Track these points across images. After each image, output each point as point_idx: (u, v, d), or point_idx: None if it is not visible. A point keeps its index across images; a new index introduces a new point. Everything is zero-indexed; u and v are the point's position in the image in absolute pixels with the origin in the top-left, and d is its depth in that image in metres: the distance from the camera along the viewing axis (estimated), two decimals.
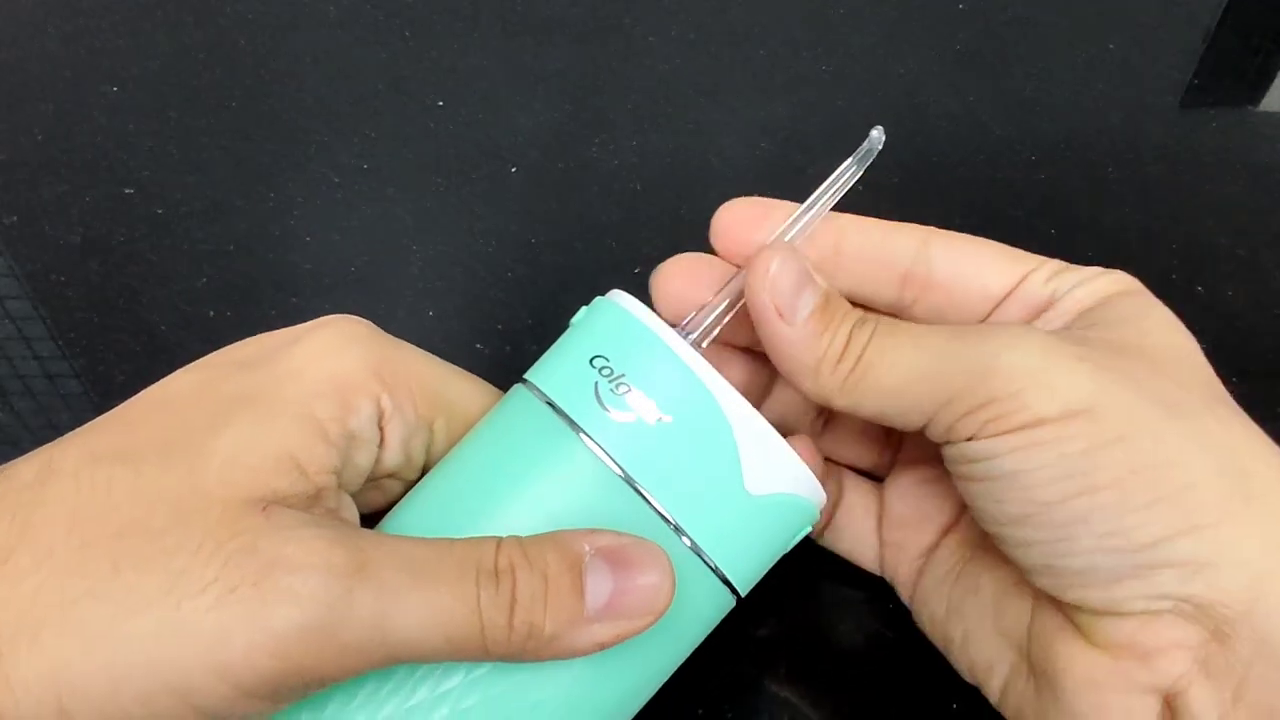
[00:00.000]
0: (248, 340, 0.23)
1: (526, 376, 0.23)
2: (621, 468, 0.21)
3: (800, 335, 0.22)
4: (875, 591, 0.28)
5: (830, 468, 0.28)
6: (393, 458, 0.23)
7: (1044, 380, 0.20)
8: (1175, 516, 0.19)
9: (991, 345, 0.20)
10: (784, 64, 0.46)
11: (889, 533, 0.27)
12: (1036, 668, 0.22)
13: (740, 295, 0.24)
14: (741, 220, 0.25)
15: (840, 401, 0.22)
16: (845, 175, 0.24)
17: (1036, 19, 0.48)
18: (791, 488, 0.23)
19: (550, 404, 0.22)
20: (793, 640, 0.28)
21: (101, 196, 0.40)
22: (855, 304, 0.24)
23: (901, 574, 0.27)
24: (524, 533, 0.20)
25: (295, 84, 0.45)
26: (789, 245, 0.23)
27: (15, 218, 0.40)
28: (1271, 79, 0.46)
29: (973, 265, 0.25)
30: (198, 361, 0.22)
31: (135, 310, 0.37)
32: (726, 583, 0.23)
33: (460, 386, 0.24)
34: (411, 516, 0.23)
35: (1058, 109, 0.44)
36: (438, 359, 0.24)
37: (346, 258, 0.38)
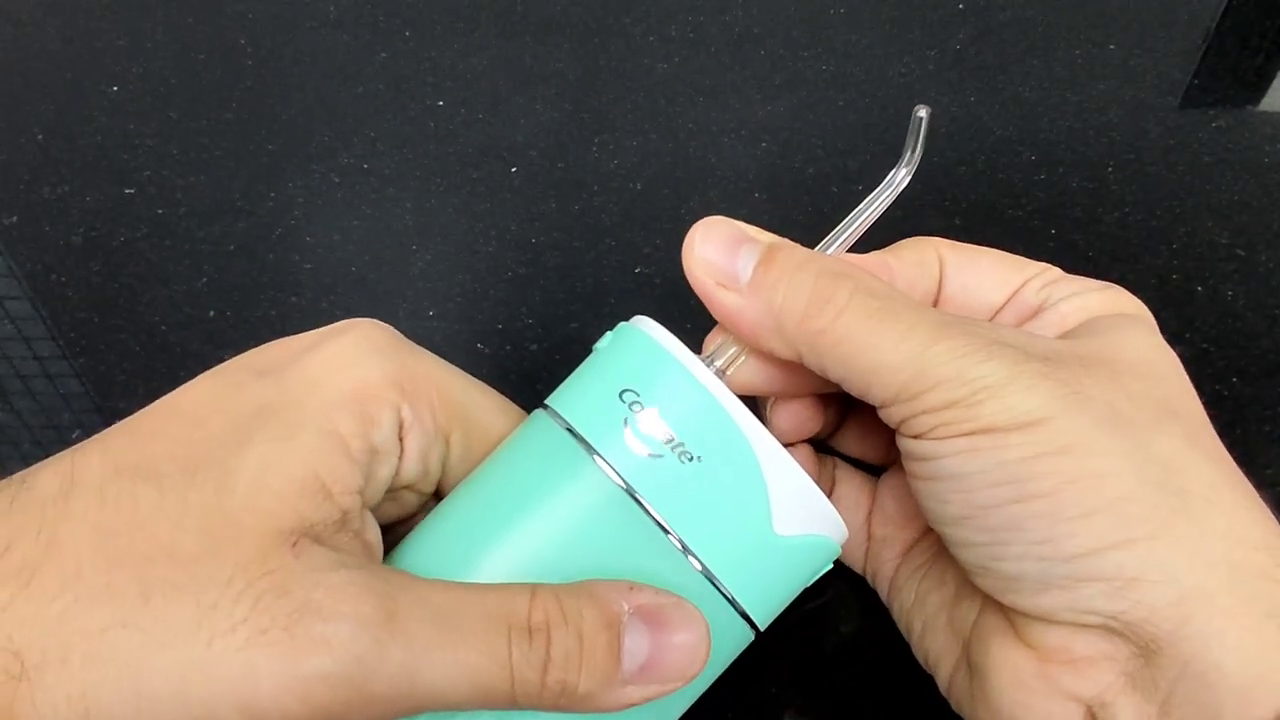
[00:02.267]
0: (266, 346, 0.23)
1: (553, 405, 0.23)
2: (651, 509, 0.21)
3: (749, 295, 0.22)
4: (875, 591, 0.28)
5: (824, 462, 0.28)
6: (411, 470, 0.22)
7: (1003, 393, 0.20)
8: (1106, 529, 0.19)
9: (972, 356, 0.21)
10: (784, 64, 0.46)
11: (877, 528, 0.27)
12: (973, 663, 0.23)
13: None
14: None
15: (808, 360, 0.22)
16: (887, 192, 0.24)
17: (1036, 19, 0.48)
18: (818, 529, 0.22)
19: (580, 439, 0.22)
20: (794, 641, 0.28)
21: (102, 197, 0.40)
22: None
23: (883, 571, 0.27)
24: (552, 571, 0.20)
25: (296, 84, 0.45)
26: (716, 217, 0.23)
27: (15, 218, 0.40)
28: (1271, 79, 0.46)
29: (976, 278, 0.25)
30: (215, 368, 0.22)
31: (136, 310, 0.37)
32: (749, 620, 0.22)
33: (478, 398, 0.24)
34: (436, 548, 0.22)
35: (1058, 109, 0.44)
36: (456, 369, 0.24)
37: (347, 258, 0.38)
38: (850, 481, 0.28)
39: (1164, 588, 0.19)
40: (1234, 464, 0.21)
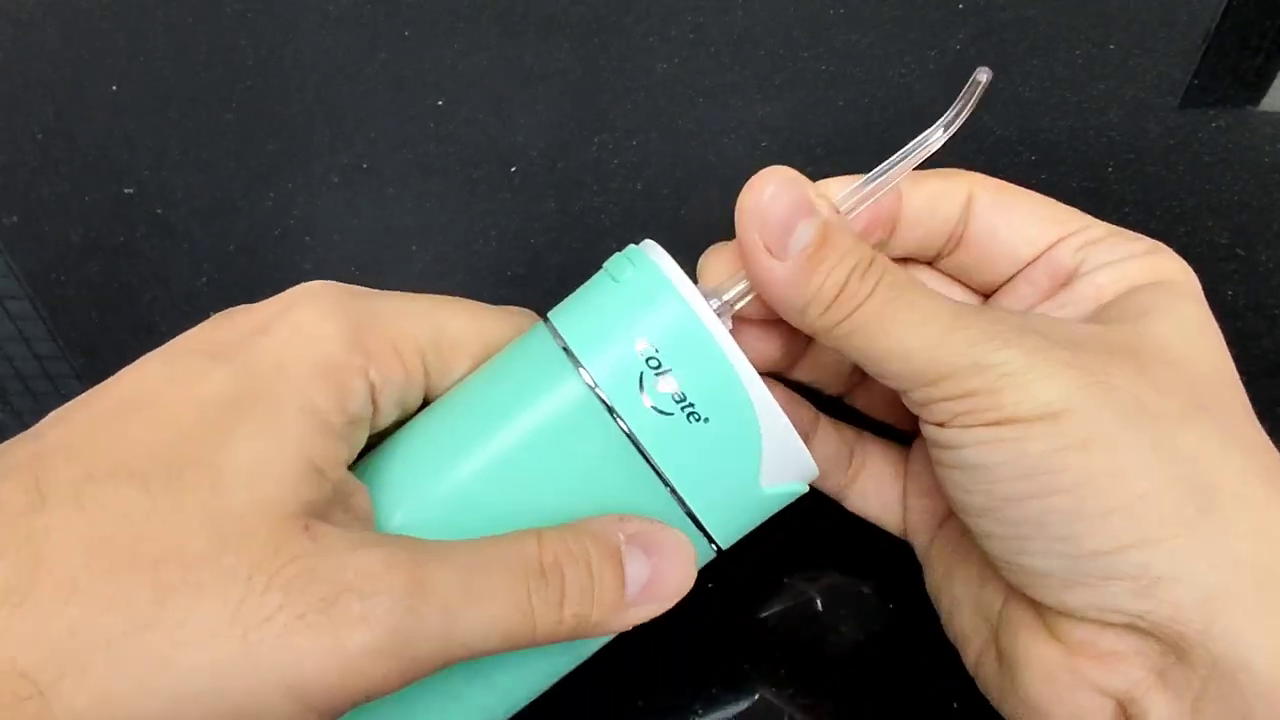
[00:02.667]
0: (211, 322, 0.22)
1: (565, 336, 0.22)
2: (654, 461, 0.22)
3: (791, 274, 0.21)
4: (876, 591, 0.28)
5: (857, 434, 0.28)
6: (388, 418, 0.23)
7: (1023, 381, 0.20)
8: (1127, 528, 0.19)
9: (989, 344, 0.20)
10: (784, 64, 0.46)
11: (912, 499, 0.27)
12: (1002, 650, 0.23)
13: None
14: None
15: (826, 342, 0.22)
16: (933, 138, 0.23)
17: (1036, 19, 0.48)
18: (796, 478, 0.23)
19: (593, 388, 0.22)
20: (793, 639, 0.28)
21: (102, 196, 0.40)
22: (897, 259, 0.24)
23: (920, 540, 0.27)
24: (552, 511, 0.21)
25: (296, 83, 0.45)
26: (786, 170, 0.22)
27: (15, 217, 0.40)
28: (1271, 79, 0.46)
29: (1006, 225, 0.24)
30: (160, 351, 0.21)
31: (135, 310, 0.37)
32: (718, 548, 0.24)
33: (439, 317, 0.24)
34: (420, 462, 0.22)
35: (1058, 109, 0.44)
36: (408, 296, 0.23)
37: (347, 257, 0.38)
38: (885, 454, 0.28)
39: (1188, 587, 0.19)
40: (1274, 453, 0.21)
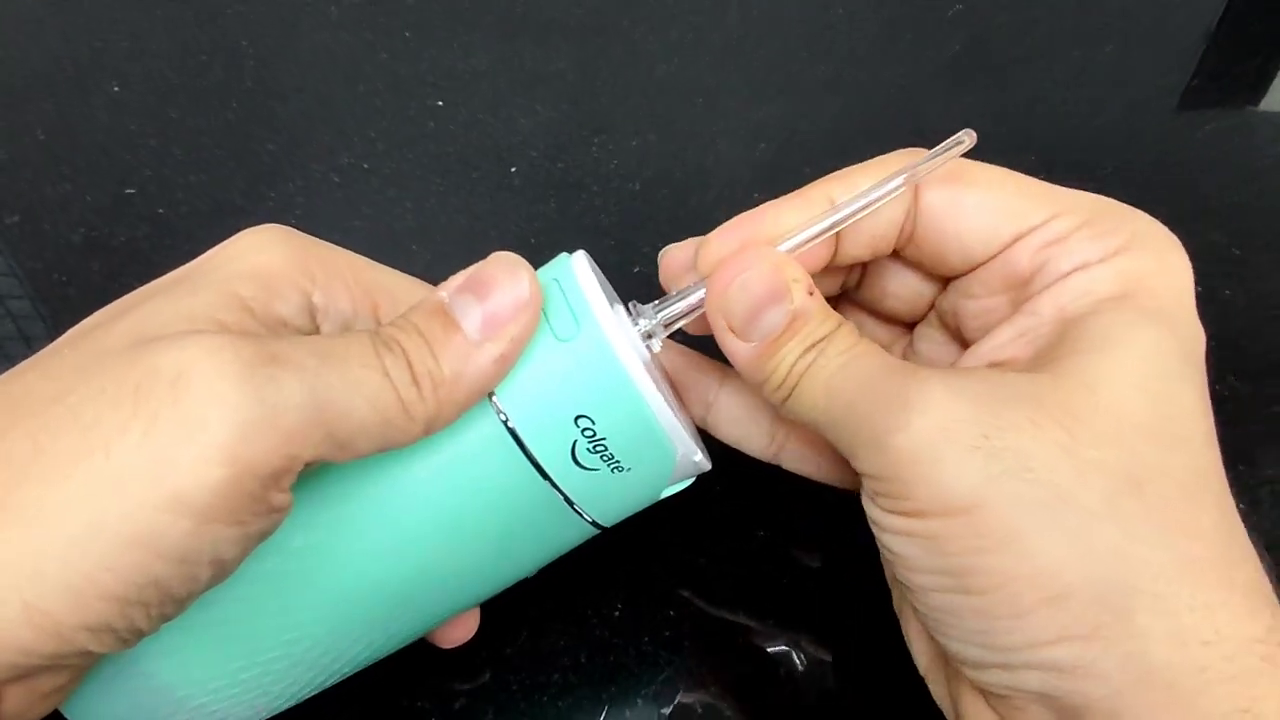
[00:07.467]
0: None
1: (506, 411, 0.22)
2: (575, 504, 0.22)
3: (750, 355, 0.21)
4: (875, 590, 0.28)
5: None
6: None
7: (930, 473, 0.19)
8: (1041, 628, 0.19)
9: (889, 420, 0.19)
10: (782, 66, 0.46)
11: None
12: (951, 694, 0.22)
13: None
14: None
15: (781, 414, 0.22)
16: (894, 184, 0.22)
17: (1035, 20, 0.48)
18: (693, 475, 0.24)
19: (525, 452, 0.22)
20: (792, 638, 0.28)
21: (103, 196, 0.40)
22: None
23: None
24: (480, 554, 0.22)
25: (296, 84, 0.45)
26: (766, 254, 0.21)
27: (17, 217, 0.40)
28: (1271, 79, 0.46)
29: (955, 221, 0.22)
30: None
31: None
32: (601, 527, 0.24)
33: (394, 278, 0.24)
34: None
35: (1057, 109, 0.44)
36: (370, 260, 0.24)
37: None
38: None
39: (1099, 683, 0.18)
40: (1208, 535, 0.19)
